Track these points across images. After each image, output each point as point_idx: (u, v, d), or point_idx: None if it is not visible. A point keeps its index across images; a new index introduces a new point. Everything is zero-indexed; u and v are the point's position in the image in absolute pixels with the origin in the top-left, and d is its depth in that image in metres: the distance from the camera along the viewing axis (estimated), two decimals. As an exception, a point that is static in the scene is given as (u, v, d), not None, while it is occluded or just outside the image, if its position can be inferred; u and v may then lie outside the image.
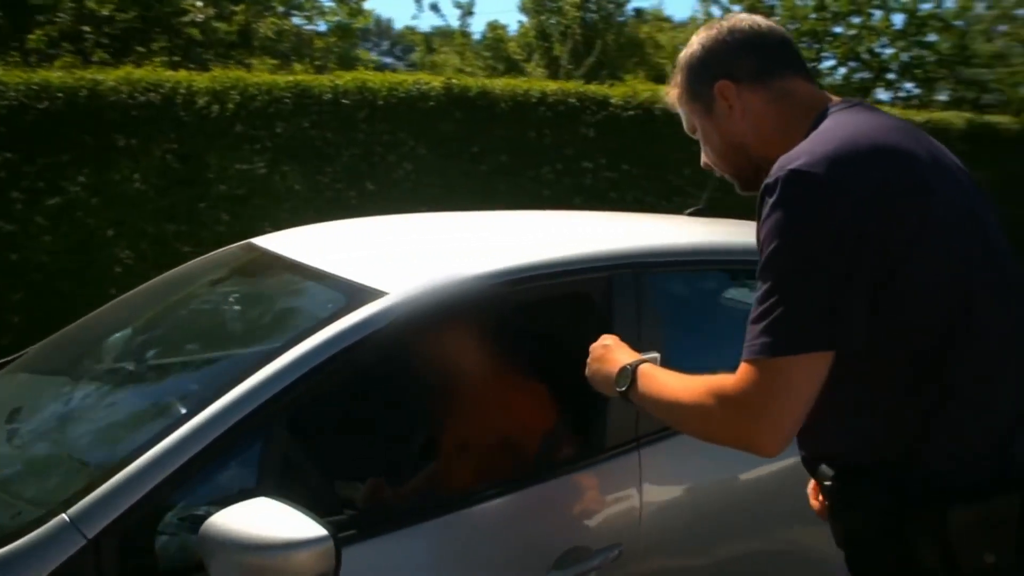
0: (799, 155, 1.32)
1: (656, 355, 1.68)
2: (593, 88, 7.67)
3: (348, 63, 15.22)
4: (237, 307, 2.32)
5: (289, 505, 1.55)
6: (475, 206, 6.45)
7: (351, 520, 1.89)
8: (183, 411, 1.73)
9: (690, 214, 3.19)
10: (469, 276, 2.04)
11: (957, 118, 10.30)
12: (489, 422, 2.28)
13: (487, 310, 2.16)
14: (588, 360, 1.72)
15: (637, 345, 2.14)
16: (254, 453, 1.74)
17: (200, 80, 5.77)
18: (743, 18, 1.57)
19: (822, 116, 1.45)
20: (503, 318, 2.30)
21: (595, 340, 2.15)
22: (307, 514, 1.53)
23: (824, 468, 1.47)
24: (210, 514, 1.55)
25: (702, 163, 1.68)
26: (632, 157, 7.65)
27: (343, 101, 6.18)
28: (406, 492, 2.34)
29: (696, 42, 1.59)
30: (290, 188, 6.00)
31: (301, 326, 1.89)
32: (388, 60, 29.15)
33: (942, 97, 14.63)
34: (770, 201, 1.31)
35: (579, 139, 7.35)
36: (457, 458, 2.27)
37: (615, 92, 7.66)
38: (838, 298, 1.27)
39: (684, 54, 1.61)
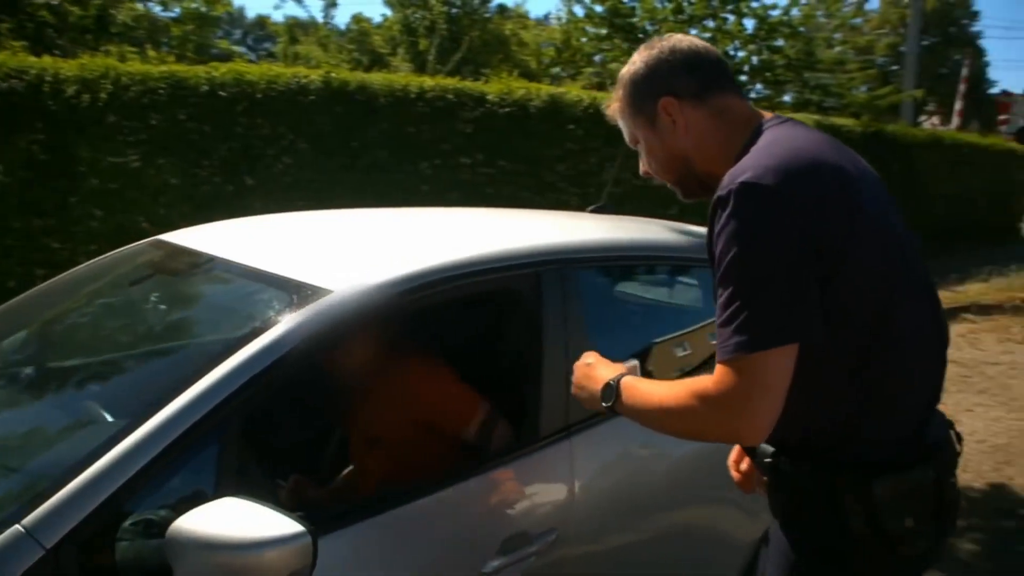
0: (747, 168, 1.44)
1: (635, 363, 1.75)
2: (470, 84, 7.74)
3: (205, 52, 14.70)
4: (164, 306, 2.24)
5: (259, 503, 1.54)
6: (355, 201, 6.41)
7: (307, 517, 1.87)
8: (132, 414, 1.68)
9: (593, 211, 3.31)
10: (411, 273, 2.06)
11: (807, 120, 10.94)
12: (425, 417, 2.31)
13: (426, 307, 2.19)
14: (573, 379, 1.77)
15: (563, 333, 2.24)
16: (209, 455, 1.71)
17: (68, 67, 5.48)
18: (682, 39, 1.67)
19: (758, 131, 1.58)
20: (440, 315, 2.33)
21: (526, 334, 2.23)
22: (280, 511, 1.53)
23: (764, 446, 1.62)
24: (169, 518, 1.53)
25: (641, 171, 1.78)
26: (508, 153, 7.77)
27: (220, 93, 6.01)
28: (341, 489, 2.35)
29: (639, 60, 1.68)
30: (166, 182, 5.79)
31: (248, 325, 1.86)
32: (242, 49, 28.20)
33: (788, 99, 15.44)
34: (724, 213, 1.43)
35: (456, 135, 7.41)
36: (394, 453, 2.30)
37: (491, 89, 7.75)
38: (798, 295, 1.39)
39: (626, 71, 1.69)
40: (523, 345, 2.25)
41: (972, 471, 4.78)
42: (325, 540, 1.75)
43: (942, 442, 1.60)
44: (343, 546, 1.83)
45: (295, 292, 1.97)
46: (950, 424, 1.67)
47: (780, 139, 1.53)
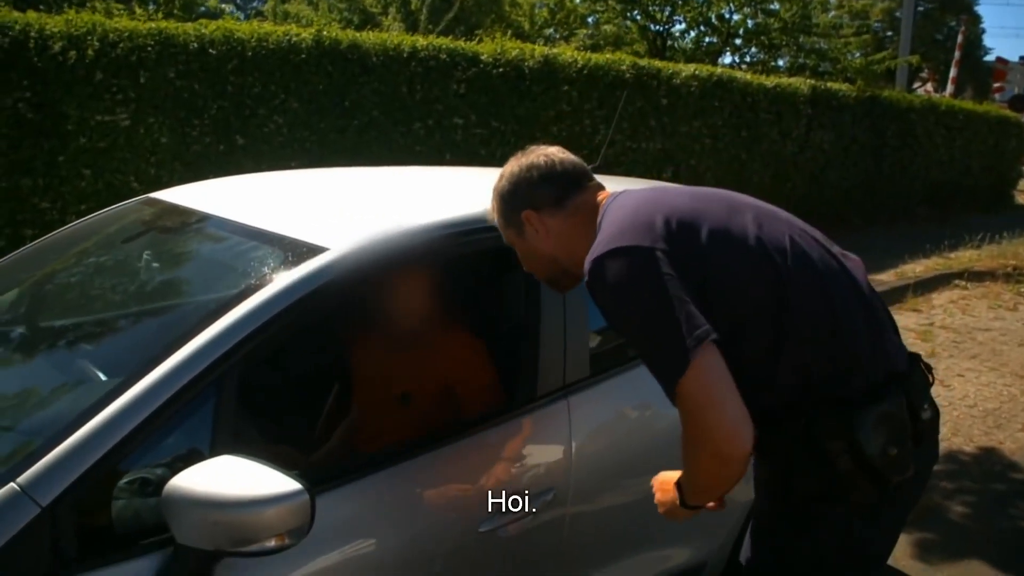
0: (592, 251, 1.63)
1: None
2: (463, 44, 7.64)
3: (192, 9, 14.49)
4: (157, 264, 2.21)
5: (256, 461, 1.53)
6: (348, 162, 6.37)
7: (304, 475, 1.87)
8: (127, 372, 1.66)
9: (588, 172, 3.28)
10: (407, 229, 2.05)
11: (803, 84, 10.88)
12: (430, 373, 2.31)
13: (424, 264, 2.17)
14: (656, 500, 1.85)
15: (562, 302, 2.23)
16: (205, 413, 1.69)
17: (53, 23, 5.37)
18: (539, 153, 1.83)
19: (604, 212, 1.75)
20: (440, 271, 2.32)
21: (524, 293, 2.22)
22: (278, 469, 1.52)
23: None
24: (165, 477, 1.53)
25: (526, 269, 1.94)
26: (502, 114, 7.71)
27: (210, 51, 5.91)
28: (342, 447, 2.35)
29: (505, 176, 1.85)
30: (156, 141, 5.71)
31: (244, 282, 1.84)
32: (231, 9, 27.80)
33: (782, 64, 15.37)
34: (595, 292, 1.61)
35: (450, 95, 7.34)
36: (399, 409, 2.30)
37: (485, 49, 7.67)
38: (681, 310, 1.51)
39: (496, 186, 1.87)
40: (521, 304, 2.23)
41: (963, 435, 4.81)
42: (323, 498, 1.76)
43: (907, 372, 1.70)
44: (340, 504, 1.83)
45: (290, 250, 1.96)
46: (917, 357, 1.78)
47: (614, 210, 1.72)
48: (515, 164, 1.84)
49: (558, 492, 2.17)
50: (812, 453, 1.60)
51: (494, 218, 1.90)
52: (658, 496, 1.83)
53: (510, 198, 1.83)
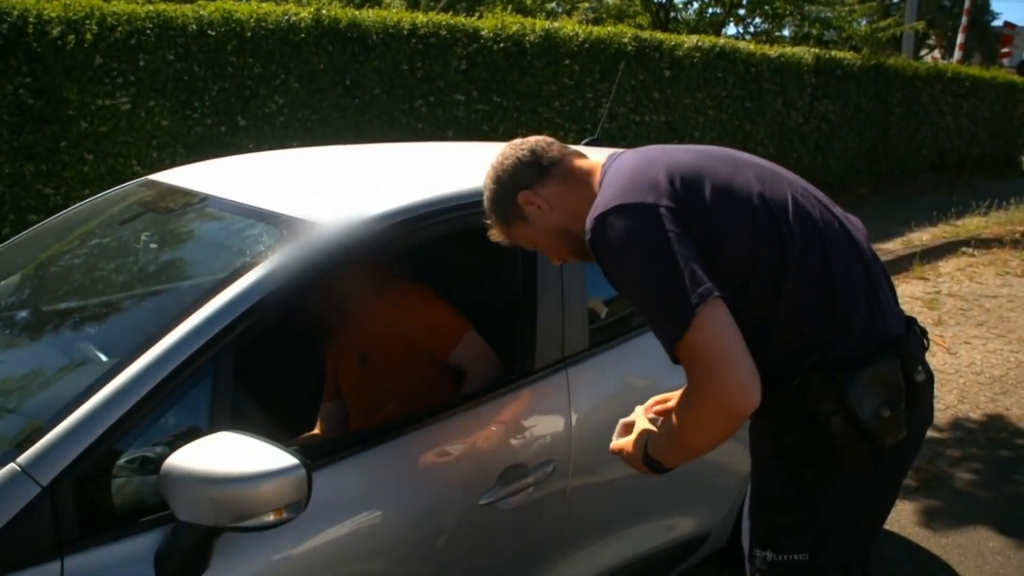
0: (595, 208, 1.62)
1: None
2: (463, 20, 7.60)
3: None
4: (155, 245, 2.22)
5: (253, 437, 1.54)
6: (349, 141, 6.35)
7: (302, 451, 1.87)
8: (125, 352, 1.67)
9: (587, 144, 3.27)
10: (400, 206, 2.05)
11: (807, 53, 10.79)
12: (383, 330, 2.35)
13: (414, 240, 2.17)
14: (617, 446, 1.86)
15: (559, 274, 2.23)
16: (203, 391, 1.70)
17: (51, 8, 5.35)
18: (504, 152, 1.84)
19: (604, 174, 1.74)
20: (431, 248, 2.33)
21: (522, 267, 2.22)
22: (275, 445, 1.53)
23: None
24: (165, 454, 1.54)
25: (554, 261, 1.93)
26: (503, 90, 7.67)
27: (209, 33, 5.89)
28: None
29: (487, 185, 1.85)
30: (157, 124, 5.70)
31: (239, 260, 1.85)
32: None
33: (787, 33, 15.23)
34: (595, 251, 1.60)
35: (451, 72, 7.30)
36: (359, 371, 2.36)
37: (485, 24, 7.62)
38: (687, 266, 1.51)
39: (485, 199, 1.87)
40: (519, 278, 2.23)
41: (969, 402, 4.81)
42: (321, 473, 1.77)
43: (903, 334, 1.70)
44: (339, 479, 1.84)
45: (284, 227, 1.96)
46: (913, 321, 1.78)
47: (616, 170, 1.70)
48: (492, 168, 1.86)
49: (559, 464, 2.18)
50: (805, 414, 1.61)
51: (497, 235, 1.89)
52: (620, 443, 1.83)
53: (501, 197, 1.83)
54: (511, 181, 1.81)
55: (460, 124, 7.41)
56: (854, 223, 1.80)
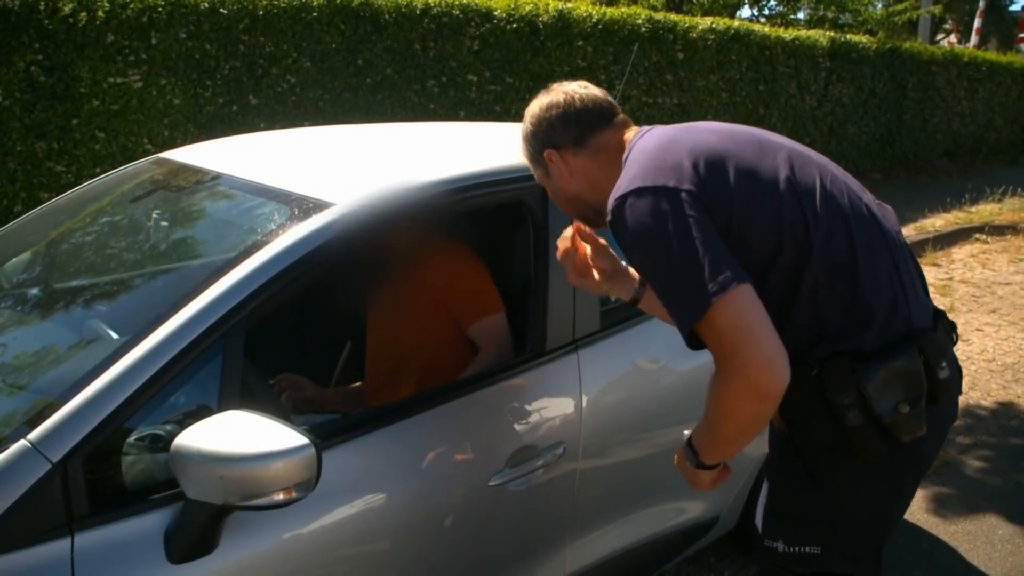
0: (618, 187, 1.61)
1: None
2: (476, 0, 7.54)
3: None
4: (164, 223, 2.21)
5: (263, 416, 1.54)
6: (361, 121, 6.31)
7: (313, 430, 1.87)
8: (135, 330, 1.67)
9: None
10: (415, 185, 2.04)
11: (822, 36, 10.69)
12: (436, 328, 2.31)
13: (432, 219, 2.16)
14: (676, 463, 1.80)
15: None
16: (213, 369, 1.69)
17: (63, -15, 5.32)
18: (560, 91, 1.82)
19: (631, 149, 1.72)
20: (448, 226, 2.31)
21: (534, 246, 2.21)
22: (284, 423, 1.52)
23: None
24: (175, 433, 1.54)
25: (563, 210, 1.93)
26: (516, 70, 7.62)
27: (221, 11, 5.86)
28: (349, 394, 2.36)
29: (527, 118, 1.85)
30: (169, 103, 5.68)
31: (250, 239, 1.84)
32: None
33: (801, 16, 15.08)
34: (617, 232, 1.59)
35: (463, 52, 7.26)
36: (403, 367, 2.30)
37: (498, 4, 7.56)
38: (708, 250, 1.48)
39: (522, 128, 1.87)
40: (531, 258, 2.22)
41: (980, 389, 4.78)
42: (331, 453, 1.77)
43: (928, 328, 1.65)
44: (350, 457, 1.84)
45: (296, 206, 1.95)
46: (941, 314, 1.74)
47: (639, 149, 1.68)
48: (537, 104, 1.84)
49: (569, 446, 2.17)
50: (822, 406, 1.58)
51: (525, 160, 1.90)
52: (676, 459, 1.79)
53: (532, 139, 1.83)
54: (545, 135, 1.80)
55: (472, 104, 7.37)
56: (886, 211, 1.76)
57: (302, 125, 5.86)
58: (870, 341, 1.57)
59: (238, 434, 1.49)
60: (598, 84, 6.47)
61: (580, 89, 1.82)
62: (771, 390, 1.44)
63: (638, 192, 1.55)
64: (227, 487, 1.47)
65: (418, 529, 1.94)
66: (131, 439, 1.60)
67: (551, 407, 2.19)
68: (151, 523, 1.56)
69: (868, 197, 1.73)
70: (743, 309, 1.45)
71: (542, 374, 2.19)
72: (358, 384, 2.55)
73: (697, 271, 1.47)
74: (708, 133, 1.69)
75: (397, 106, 6.90)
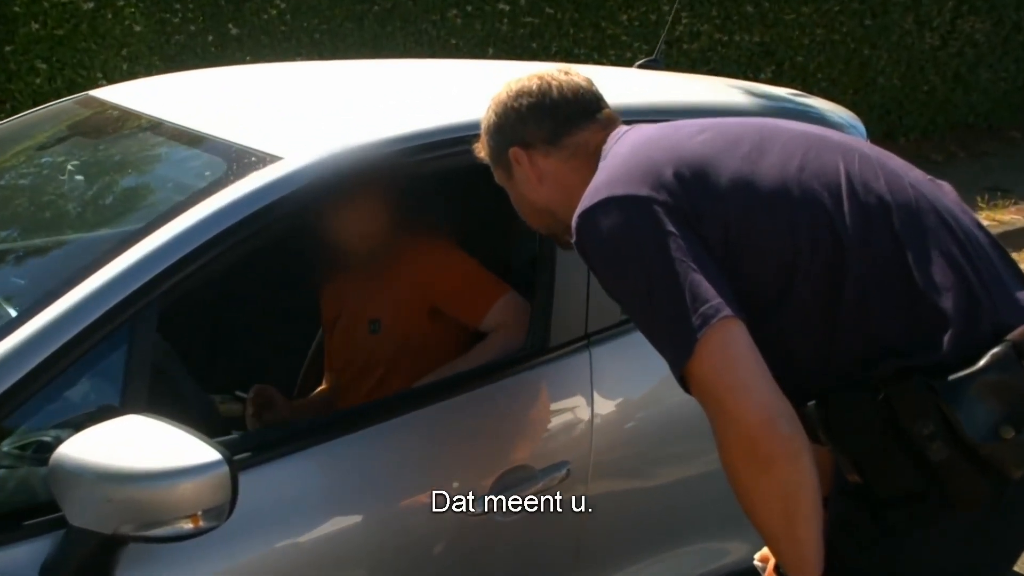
0: (583, 200, 1.60)
1: None
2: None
3: None
4: (79, 176, 2.21)
5: (168, 423, 1.51)
6: (366, 57, 6.29)
7: (242, 440, 1.89)
8: (16, 310, 1.67)
9: (640, 67, 3.25)
10: (377, 140, 2.03)
11: None
12: (404, 300, 2.36)
13: (398, 179, 2.18)
14: None
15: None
16: (116, 361, 1.69)
17: None
18: (535, 77, 1.81)
19: (606, 153, 1.73)
20: (416, 187, 2.32)
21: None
22: (193, 434, 1.50)
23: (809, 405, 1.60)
24: (62, 439, 1.51)
25: (526, 222, 1.95)
26: (559, -2, 7.57)
27: (194, -83, 5.88)
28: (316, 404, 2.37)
29: (491, 107, 1.85)
30: (128, 29, 5.71)
31: (171, 199, 1.86)
32: None
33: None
34: (586, 251, 1.60)
35: (493, -26, 7.23)
36: (368, 339, 2.36)
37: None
38: (691, 277, 1.47)
39: (484, 118, 1.87)
40: (534, 234, 2.17)
41: None
42: (268, 467, 1.77)
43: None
44: (283, 476, 1.83)
45: (236, 160, 1.95)
46: None
47: (613, 154, 1.69)
48: (505, 90, 1.84)
49: (574, 466, 2.12)
50: (896, 439, 1.49)
51: (484, 157, 1.90)
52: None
53: (496, 133, 1.84)
54: (512, 129, 1.81)
55: (503, 40, 7.34)
56: (943, 190, 1.70)
57: (293, 60, 5.87)
58: (948, 350, 1.49)
59: (132, 445, 1.47)
60: (660, 15, 6.39)
61: (559, 75, 1.82)
62: (773, 452, 1.42)
63: (605, 204, 1.55)
64: (118, 512, 1.45)
65: (372, 569, 1.93)
66: (5, 447, 1.59)
67: (553, 417, 2.17)
68: (24, 555, 1.54)
69: (915, 175, 1.69)
70: (724, 357, 1.46)
71: (543, 375, 2.16)
72: (322, 388, 2.56)
73: (677, 302, 1.47)
74: (696, 131, 1.70)
75: (411, 40, 6.90)
